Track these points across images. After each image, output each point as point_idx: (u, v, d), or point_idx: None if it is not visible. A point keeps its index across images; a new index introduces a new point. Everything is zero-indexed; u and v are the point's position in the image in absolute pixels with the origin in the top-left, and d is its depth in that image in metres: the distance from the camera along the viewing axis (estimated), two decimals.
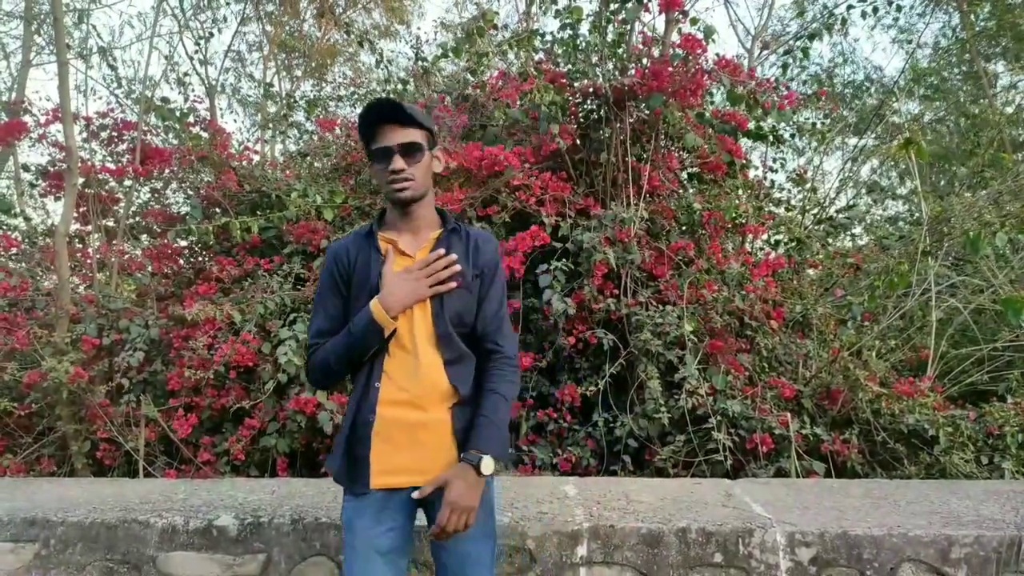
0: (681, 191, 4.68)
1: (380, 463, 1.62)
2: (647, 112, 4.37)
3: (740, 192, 4.73)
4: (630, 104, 4.32)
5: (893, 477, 3.45)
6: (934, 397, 3.77)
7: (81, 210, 4.65)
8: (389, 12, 11.66)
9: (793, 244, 4.82)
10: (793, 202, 5.57)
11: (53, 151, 4.84)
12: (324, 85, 10.90)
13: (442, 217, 1.80)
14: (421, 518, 1.72)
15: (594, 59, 4.55)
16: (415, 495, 1.59)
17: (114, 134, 5.00)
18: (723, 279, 4.10)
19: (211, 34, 6.89)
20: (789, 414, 3.51)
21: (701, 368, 3.72)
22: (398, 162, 1.63)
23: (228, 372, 3.68)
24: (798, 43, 4.82)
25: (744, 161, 5.02)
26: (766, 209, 4.93)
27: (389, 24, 11.82)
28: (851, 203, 6.52)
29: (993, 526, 2.24)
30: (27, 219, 5.08)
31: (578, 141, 4.49)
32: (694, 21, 4.38)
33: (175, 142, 5.26)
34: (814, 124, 5.69)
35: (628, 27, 4.61)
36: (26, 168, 5.41)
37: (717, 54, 4.45)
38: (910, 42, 10.69)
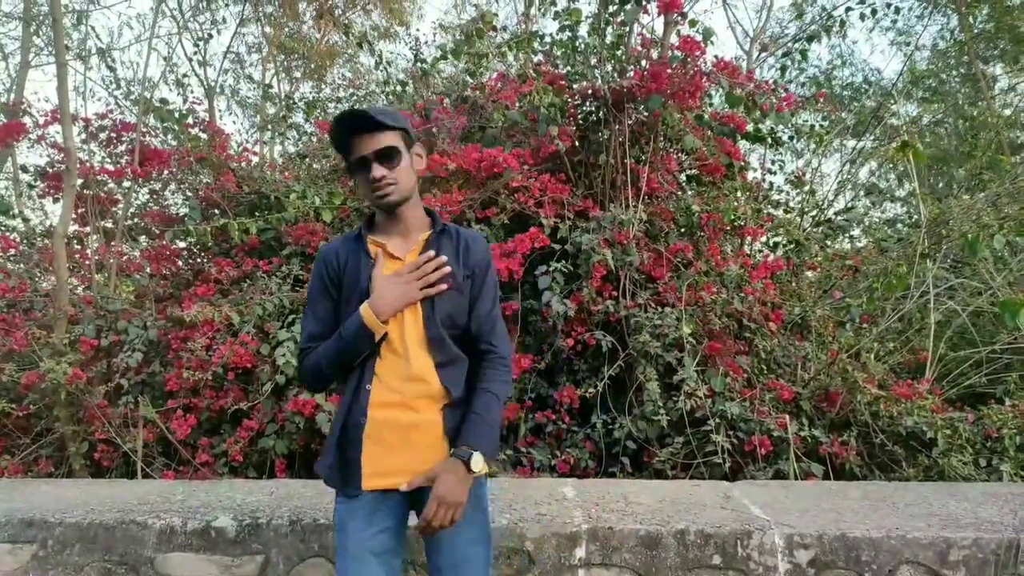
0: (680, 193, 4.69)
1: (371, 465, 1.61)
2: (646, 114, 4.37)
3: (739, 194, 4.73)
4: (629, 106, 4.32)
5: (891, 479, 3.45)
6: (932, 399, 3.77)
7: (80, 211, 4.65)
8: (388, 13, 11.66)
9: (792, 246, 4.82)
10: (792, 204, 5.58)
11: (52, 152, 4.85)
12: (323, 87, 10.91)
13: (431, 217, 1.78)
14: (415, 519, 1.72)
15: (593, 61, 4.56)
16: (403, 487, 1.58)
17: (113, 135, 5.00)
18: (722, 281, 4.10)
19: (210, 35, 6.90)
20: (788, 416, 3.52)
21: (700, 370, 3.72)
22: (377, 170, 1.61)
23: (226, 373, 3.68)
24: (797, 45, 4.83)
25: (743, 163, 5.03)
26: (765, 211, 4.94)
27: (388, 26, 11.83)
28: (850, 205, 6.53)
29: (991, 528, 2.24)
30: (26, 220, 5.08)
31: (577, 143, 4.49)
32: (693, 23, 4.38)
33: (174, 143, 5.26)
34: (812, 126, 5.70)
35: (627, 29, 4.62)
36: (25, 169, 5.42)
37: (716, 56, 4.47)
38: (908, 44, 10.72)
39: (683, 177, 4.96)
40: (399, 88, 5.67)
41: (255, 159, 5.61)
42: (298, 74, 11.37)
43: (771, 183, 5.47)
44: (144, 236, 5.07)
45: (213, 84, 7.44)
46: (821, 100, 6.23)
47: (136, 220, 5.12)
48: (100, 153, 5.10)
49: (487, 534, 1.69)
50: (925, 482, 3.30)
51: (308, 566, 2.31)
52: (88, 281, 4.42)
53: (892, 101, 8.30)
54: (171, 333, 3.90)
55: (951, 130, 10.55)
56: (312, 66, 11.22)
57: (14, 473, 3.66)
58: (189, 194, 5.17)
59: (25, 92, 5.31)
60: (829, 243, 5.42)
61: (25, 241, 4.86)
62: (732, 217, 4.34)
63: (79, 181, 4.32)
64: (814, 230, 5.38)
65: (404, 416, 1.62)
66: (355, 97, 6.66)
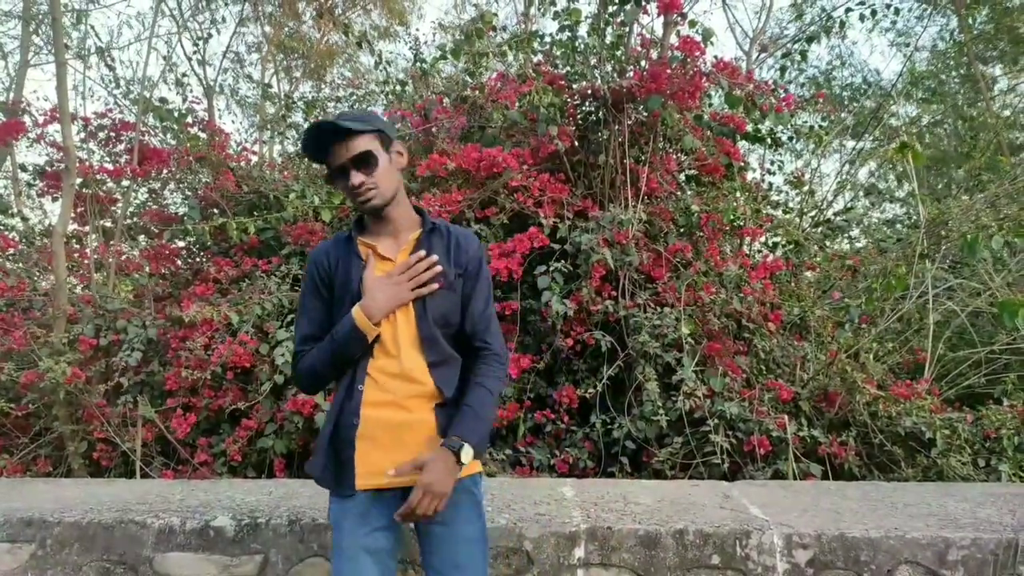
0: (679, 193, 4.69)
1: (365, 464, 1.61)
2: (645, 114, 4.37)
3: (738, 194, 4.73)
4: (628, 106, 4.32)
5: (890, 479, 3.45)
6: (931, 400, 3.77)
7: (79, 210, 4.65)
8: (388, 13, 11.66)
9: (791, 246, 4.82)
10: (791, 204, 5.59)
11: (51, 151, 4.85)
12: (323, 86, 10.91)
13: (421, 216, 1.77)
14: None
15: (592, 61, 4.56)
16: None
17: (112, 134, 5.00)
18: (721, 281, 4.10)
19: (209, 35, 6.90)
20: (786, 416, 3.52)
21: (699, 370, 3.72)
22: (355, 177, 1.60)
23: (225, 373, 3.68)
24: (796, 46, 4.83)
25: (742, 163, 5.03)
26: (764, 211, 4.94)
27: (388, 25, 11.83)
28: (849, 206, 6.55)
29: (990, 528, 2.24)
30: (24, 219, 5.08)
31: (576, 143, 4.49)
32: (692, 23, 4.39)
33: (173, 143, 5.26)
34: (812, 127, 5.71)
35: (626, 29, 4.62)
36: (24, 168, 5.42)
37: (715, 57, 4.47)
38: (908, 45, 10.72)
39: (682, 177, 4.96)
40: (399, 88, 5.67)
41: (254, 158, 5.61)
42: (298, 73, 11.38)
43: (770, 183, 5.48)
44: (143, 235, 5.07)
45: (212, 83, 7.45)
46: (820, 101, 6.23)
47: (135, 219, 5.12)
48: (99, 152, 5.11)
49: (483, 533, 1.69)
50: (924, 482, 3.30)
51: (307, 566, 2.31)
52: (87, 280, 4.42)
53: (891, 102, 8.30)
54: (170, 332, 3.90)
55: (950, 131, 10.56)
56: (312, 66, 11.22)
57: (13, 472, 3.65)
58: (188, 193, 5.17)
59: (24, 91, 5.31)
60: (828, 243, 5.43)
61: (24, 240, 4.86)
62: (731, 217, 4.34)
63: (78, 180, 4.31)
64: (813, 230, 5.39)
65: (397, 415, 1.61)
66: (354, 96, 6.67)
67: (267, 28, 10.14)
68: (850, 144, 8.65)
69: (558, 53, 4.78)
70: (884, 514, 2.41)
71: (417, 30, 16.67)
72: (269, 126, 6.64)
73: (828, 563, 2.19)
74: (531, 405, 3.86)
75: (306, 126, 2.04)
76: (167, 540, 2.34)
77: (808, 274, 5.11)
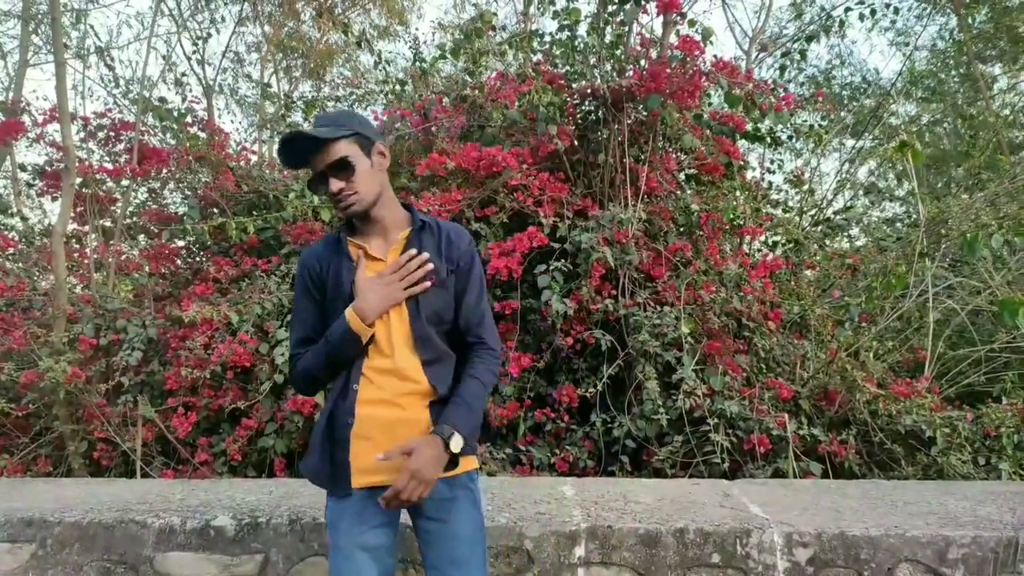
0: (679, 192, 4.69)
1: (360, 462, 1.61)
2: (645, 113, 4.37)
3: (738, 193, 4.74)
4: (628, 105, 4.32)
5: (890, 478, 3.46)
6: (931, 398, 3.78)
7: (78, 210, 4.65)
8: (388, 12, 11.65)
9: (791, 245, 4.82)
10: (791, 203, 5.59)
11: (50, 151, 4.84)
12: (322, 86, 10.91)
13: (411, 213, 1.76)
14: (405, 518, 1.72)
15: (592, 60, 4.56)
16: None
17: (111, 134, 5.00)
18: (721, 280, 4.10)
19: (209, 34, 6.91)
20: (787, 415, 3.52)
21: (699, 369, 3.72)
22: (334, 184, 1.60)
23: (225, 372, 3.68)
24: (796, 45, 4.83)
25: (742, 162, 5.03)
26: (764, 210, 4.94)
27: (388, 24, 11.82)
28: (849, 204, 6.55)
29: (990, 527, 2.24)
30: (24, 219, 5.08)
31: (576, 142, 4.49)
32: (692, 23, 4.39)
33: (173, 142, 5.26)
34: (811, 126, 5.71)
35: (626, 28, 4.62)
36: (23, 168, 5.42)
37: (715, 56, 4.47)
38: (907, 44, 10.71)
39: (682, 176, 4.96)
40: (398, 87, 5.67)
41: (254, 158, 5.61)
42: (297, 73, 11.37)
43: (770, 182, 5.48)
44: (143, 235, 5.07)
45: (212, 83, 7.44)
46: (820, 100, 6.23)
47: (135, 219, 5.12)
48: (99, 152, 5.11)
49: (482, 529, 1.69)
50: (924, 480, 3.30)
51: (307, 565, 2.31)
52: (87, 280, 4.42)
53: (891, 101, 8.30)
54: (170, 332, 3.90)
55: (950, 130, 10.55)
56: (311, 65, 11.22)
57: (13, 472, 3.65)
58: (188, 193, 5.17)
59: (24, 91, 5.31)
60: (828, 242, 5.43)
61: (24, 240, 4.86)
62: (731, 216, 4.34)
63: (78, 180, 4.31)
64: (813, 229, 5.39)
65: (391, 413, 1.61)
66: (354, 96, 6.67)
67: (266, 28, 10.14)
68: (850, 143, 8.66)
69: (558, 52, 4.78)
70: (884, 512, 2.41)
71: (416, 29, 16.69)
72: (268, 126, 6.64)
73: (828, 561, 2.19)
74: (531, 404, 3.86)
75: (279, 138, 2.02)
76: (168, 540, 2.34)
77: (808, 273, 5.11)
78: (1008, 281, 4.64)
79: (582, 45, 4.59)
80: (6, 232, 4.88)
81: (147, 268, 4.70)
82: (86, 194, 4.52)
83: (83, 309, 4.01)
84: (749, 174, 5.32)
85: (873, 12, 4.63)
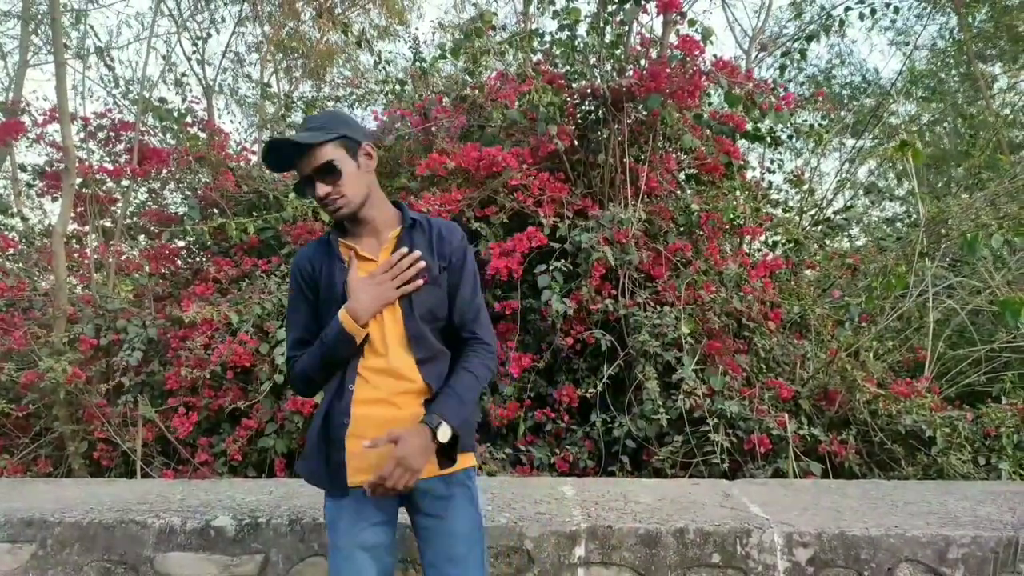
0: (679, 192, 4.69)
1: (356, 461, 1.60)
2: (645, 113, 4.37)
3: (738, 193, 4.74)
4: (628, 105, 4.32)
5: (890, 478, 3.46)
6: (931, 398, 3.78)
7: (78, 210, 4.65)
8: (388, 12, 11.64)
9: (791, 245, 4.82)
10: (791, 203, 5.59)
11: (50, 151, 4.84)
12: (322, 86, 10.90)
13: (401, 211, 1.75)
14: (405, 519, 1.72)
15: (592, 60, 4.56)
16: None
17: (111, 134, 5.00)
18: (721, 280, 4.10)
19: (208, 35, 6.90)
20: (787, 415, 3.52)
21: (699, 369, 3.72)
22: (320, 189, 1.60)
23: (225, 372, 3.68)
24: (796, 45, 4.83)
25: (742, 162, 5.03)
26: (764, 210, 4.94)
27: (388, 24, 11.81)
28: (848, 204, 6.54)
29: (990, 527, 2.24)
30: (24, 219, 5.08)
31: (576, 142, 4.49)
32: (692, 23, 4.39)
33: (173, 143, 5.26)
34: (811, 125, 5.71)
35: (626, 28, 4.62)
36: (23, 168, 5.42)
37: (715, 55, 4.47)
38: (907, 44, 10.70)
39: (682, 176, 4.96)
40: (398, 87, 5.67)
41: (254, 158, 5.60)
42: (297, 73, 11.35)
43: (770, 182, 5.48)
44: (143, 235, 5.07)
45: (212, 83, 7.44)
46: (820, 99, 6.23)
47: (135, 219, 5.12)
48: (99, 152, 5.11)
49: (480, 529, 1.69)
50: (924, 480, 3.30)
51: (307, 565, 2.31)
52: (87, 280, 4.42)
53: (891, 100, 8.30)
54: (170, 332, 3.90)
55: (950, 129, 10.55)
56: (311, 65, 11.20)
57: (13, 473, 3.65)
58: (188, 193, 5.18)
59: (24, 91, 5.30)
60: (828, 242, 5.43)
61: (24, 240, 4.86)
62: (731, 216, 4.34)
63: (78, 180, 4.31)
64: (813, 229, 5.39)
65: (386, 412, 1.61)
66: (354, 96, 6.67)
67: (266, 28, 10.12)
68: (850, 143, 8.65)
69: (557, 52, 4.78)
70: (884, 512, 2.41)
71: (416, 29, 16.67)
72: (269, 126, 6.63)
73: (828, 561, 2.19)
74: (531, 404, 3.86)
75: (264, 144, 2.02)
76: (168, 540, 2.34)
77: (808, 273, 5.11)
78: (1008, 281, 4.64)
79: (582, 45, 4.59)
80: (6, 232, 4.88)
81: (147, 268, 4.70)
82: (86, 194, 4.52)
83: (83, 309, 4.01)
84: (749, 174, 5.32)
85: (873, 11, 4.63)
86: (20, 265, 4.63)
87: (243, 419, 3.60)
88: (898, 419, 3.60)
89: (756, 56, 9.00)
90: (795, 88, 10.21)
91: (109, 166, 4.97)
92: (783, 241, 4.94)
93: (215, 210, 4.91)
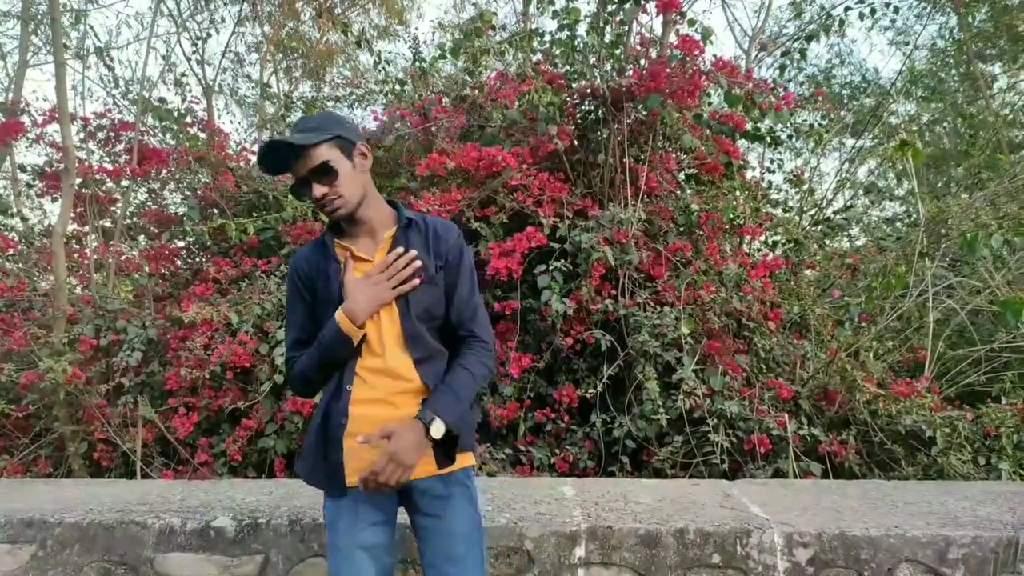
0: (679, 192, 4.69)
1: (354, 461, 1.60)
2: (645, 113, 4.37)
3: (737, 193, 4.73)
4: (628, 105, 4.32)
5: (890, 478, 3.46)
6: (931, 398, 3.77)
7: (78, 210, 4.65)
8: (387, 12, 11.63)
9: (791, 245, 4.82)
10: (791, 203, 5.58)
11: (50, 151, 4.84)
12: (322, 86, 10.90)
13: (396, 210, 1.75)
14: (405, 519, 1.72)
15: (592, 60, 4.56)
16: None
17: (111, 134, 5.00)
18: (721, 280, 4.10)
19: (208, 35, 6.91)
20: (787, 415, 3.52)
21: (699, 369, 3.72)
22: (317, 190, 1.59)
23: (225, 373, 3.68)
24: (795, 44, 4.83)
25: (741, 162, 5.03)
26: (763, 210, 4.94)
27: (387, 24, 11.80)
28: (848, 204, 6.54)
29: (990, 527, 2.24)
30: (24, 219, 5.07)
31: (576, 142, 4.49)
32: (692, 22, 4.39)
33: (172, 143, 5.26)
34: (811, 125, 5.71)
35: (626, 28, 4.62)
36: (23, 168, 5.42)
37: (715, 55, 4.47)
38: (907, 43, 10.70)
39: (682, 176, 4.96)
40: (398, 87, 5.67)
41: (254, 158, 5.60)
42: (297, 73, 11.35)
43: (770, 182, 5.48)
44: (143, 235, 5.06)
45: (211, 83, 7.44)
46: (820, 99, 6.22)
47: (135, 219, 5.12)
48: (99, 152, 5.11)
49: (478, 527, 1.69)
50: (924, 480, 3.30)
51: (307, 566, 2.31)
52: (87, 280, 4.42)
53: (891, 100, 8.30)
54: (170, 332, 3.90)
55: (950, 129, 10.55)
56: (311, 65, 11.20)
57: (13, 473, 3.65)
58: (188, 193, 5.18)
59: (23, 91, 5.30)
60: (828, 242, 5.43)
61: (24, 240, 4.85)
62: (731, 216, 4.34)
63: (78, 180, 4.31)
64: (813, 229, 5.39)
65: (384, 412, 1.61)
66: (354, 96, 6.66)
67: (266, 28, 10.12)
68: (849, 142, 8.64)
69: (557, 52, 4.78)
70: (884, 512, 2.41)
71: (416, 29, 16.65)
72: (268, 126, 6.63)
73: (829, 562, 2.19)
74: (531, 404, 3.86)
75: (259, 147, 2.02)
76: (168, 540, 2.34)
77: (808, 273, 5.10)
78: (1008, 281, 4.64)
79: (582, 45, 4.59)
80: (6, 233, 4.87)
81: (147, 269, 4.70)
82: (86, 194, 4.52)
83: (83, 310, 4.01)
84: (749, 174, 5.32)
85: (873, 11, 4.63)
86: (20, 265, 4.62)
87: (243, 419, 3.60)
88: (898, 419, 3.60)
89: (756, 56, 9.00)
90: (795, 88, 10.20)
91: (109, 166, 4.97)
92: (783, 241, 4.94)
93: (215, 210, 4.91)
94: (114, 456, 3.73)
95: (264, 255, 4.47)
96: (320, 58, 11.05)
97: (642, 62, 4.49)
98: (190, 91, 5.60)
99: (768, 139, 4.99)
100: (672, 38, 4.55)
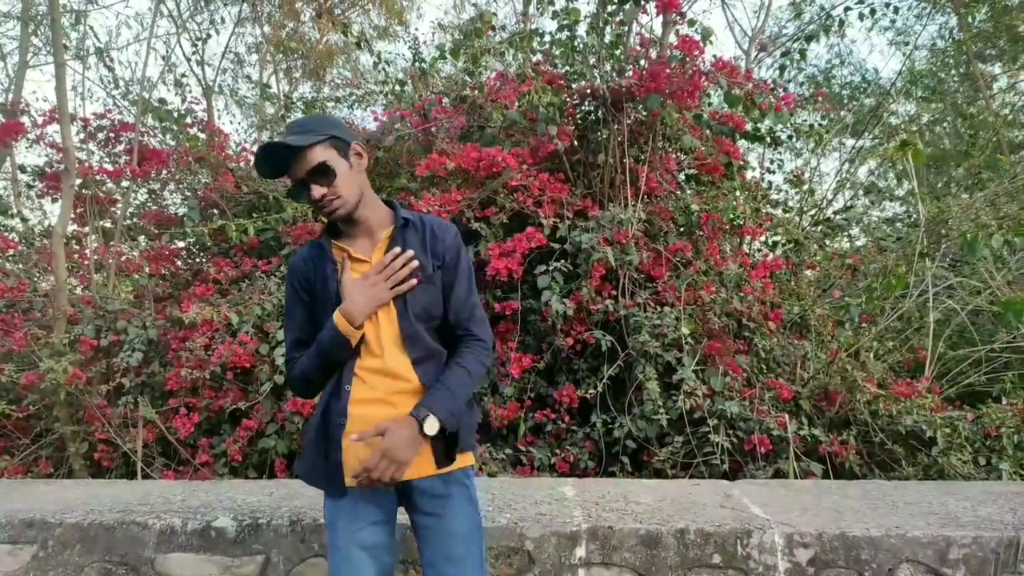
0: (679, 192, 4.69)
1: (353, 461, 1.60)
2: (645, 113, 4.37)
3: (738, 193, 4.73)
4: (628, 105, 4.32)
5: (891, 478, 3.46)
6: (932, 398, 3.77)
7: (78, 211, 4.65)
8: (387, 12, 11.64)
9: (791, 245, 4.82)
10: (791, 203, 5.58)
11: (50, 152, 4.84)
12: (322, 86, 10.91)
13: (393, 210, 1.75)
14: (405, 519, 1.72)
15: (592, 60, 4.56)
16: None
17: (111, 135, 5.00)
18: (721, 280, 4.10)
19: (208, 35, 6.90)
20: (787, 415, 3.52)
21: (699, 369, 3.72)
22: (315, 191, 1.59)
23: (225, 373, 3.68)
24: (795, 45, 4.83)
25: (742, 162, 5.03)
26: (764, 210, 4.94)
27: (387, 25, 11.81)
28: (848, 204, 6.54)
29: (991, 527, 2.24)
30: (24, 220, 5.08)
31: (576, 142, 4.49)
32: (691, 23, 4.39)
33: (172, 143, 5.26)
34: (811, 125, 5.71)
35: (626, 28, 4.62)
36: (23, 169, 5.42)
37: (714, 56, 4.47)
38: (907, 44, 10.70)
39: (682, 176, 4.96)
40: (398, 88, 5.67)
41: (253, 160, 5.60)
42: (297, 74, 11.37)
43: (770, 182, 5.48)
44: (143, 236, 5.06)
45: (211, 84, 7.44)
46: (820, 99, 6.23)
47: (135, 220, 5.12)
48: (99, 153, 5.11)
49: (478, 527, 1.69)
50: (925, 481, 3.30)
51: (308, 566, 2.31)
52: (87, 281, 4.42)
53: (891, 100, 8.30)
54: (170, 333, 3.90)
55: (950, 129, 10.55)
56: (311, 66, 11.21)
57: (14, 474, 3.65)
58: (188, 194, 5.17)
59: (23, 92, 5.29)
60: (828, 242, 5.43)
61: (24, 241, 4.85)
62: (731, 216, 4.34)
63: (78, 181, 4.31)
64: (813, 229, 5.39)
65: (382, 411, 1.61)
66: (354, 96, 6.67)
67: (266, 28, 10.13)
68: (850, 143, 8.64)
69: (557, 52, 4.78)
70: (885, 513, 2.41)
71: (416, 30, 16.66)
72: (268, 126, 6.64)
73: (829, 562, 2.19)
74: (532, 405, 3.86)
75: (255, 150, 2.03)
76: (168, 541, 2.34)
77: (808, 273, 5.10)
78: (1008, 281, 4.64)
79: (582, 45, 4.59)
80: (6, 233, 4.87)
81: (147, 269, 4.70)
82: (86, 195, 4.52)
83: (83, 310, 4.01)
84: (749, 174, 5.32)
85: (873, 11, 4.63)
86: (20, 266, 4.62)
87: (243, 420, 3.60)
88: (898, 419, 3.60)
89: (756, 56, 9.00)
90: (795, 88, 10.21)
91: (109, 167, 4.97)
92: (783, 241, 4.94)
93: (215, 211, 4.91)
94: (115, 456, 3.73)
95: (264, 256, 4.47)
96: (320, 59, 11.07)
97: (642, 62, 4.49)
98: (190, 92, 5.61)
99: (768, 139, 4.99)
100: (672, 38, 4.55)
